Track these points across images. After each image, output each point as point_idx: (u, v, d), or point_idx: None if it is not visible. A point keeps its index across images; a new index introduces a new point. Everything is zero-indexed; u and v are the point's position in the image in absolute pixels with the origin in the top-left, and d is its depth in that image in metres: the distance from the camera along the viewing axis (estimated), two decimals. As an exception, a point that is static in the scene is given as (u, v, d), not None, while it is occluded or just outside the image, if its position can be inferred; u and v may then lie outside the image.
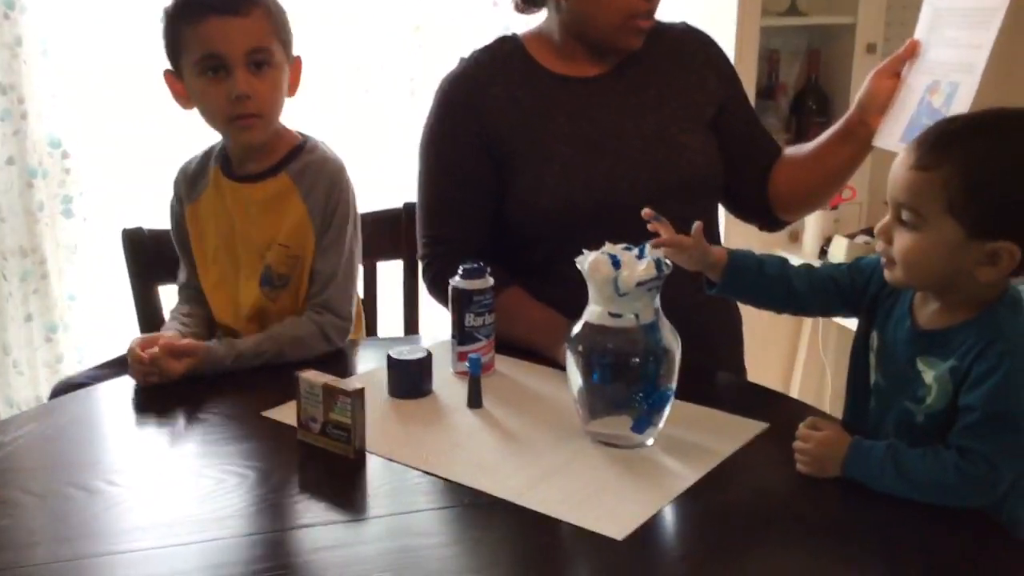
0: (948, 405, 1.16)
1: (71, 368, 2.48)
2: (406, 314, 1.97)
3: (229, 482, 1.21)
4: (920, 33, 1.50)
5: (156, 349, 1.49)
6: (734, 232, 2.45)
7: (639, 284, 1.23)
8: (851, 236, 2.71)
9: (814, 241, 2.82)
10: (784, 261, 1.37)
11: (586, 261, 1.26)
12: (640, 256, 1.26)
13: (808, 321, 2.95)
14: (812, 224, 2.81)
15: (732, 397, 1.54)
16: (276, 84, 1.58)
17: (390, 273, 1.99)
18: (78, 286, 2.53)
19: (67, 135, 2.43)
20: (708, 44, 1.77)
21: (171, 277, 1.78)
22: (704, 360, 1.63)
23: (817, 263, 2.68)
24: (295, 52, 1.63)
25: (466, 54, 1.74)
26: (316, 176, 1.63)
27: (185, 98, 1.62)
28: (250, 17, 1.54)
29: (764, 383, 1.61)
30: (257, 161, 1.65)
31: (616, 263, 1.24)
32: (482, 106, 1.66)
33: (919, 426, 1.19)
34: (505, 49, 1.72)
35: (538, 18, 1.75)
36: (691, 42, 1.76)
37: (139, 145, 2.51)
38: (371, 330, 1.90)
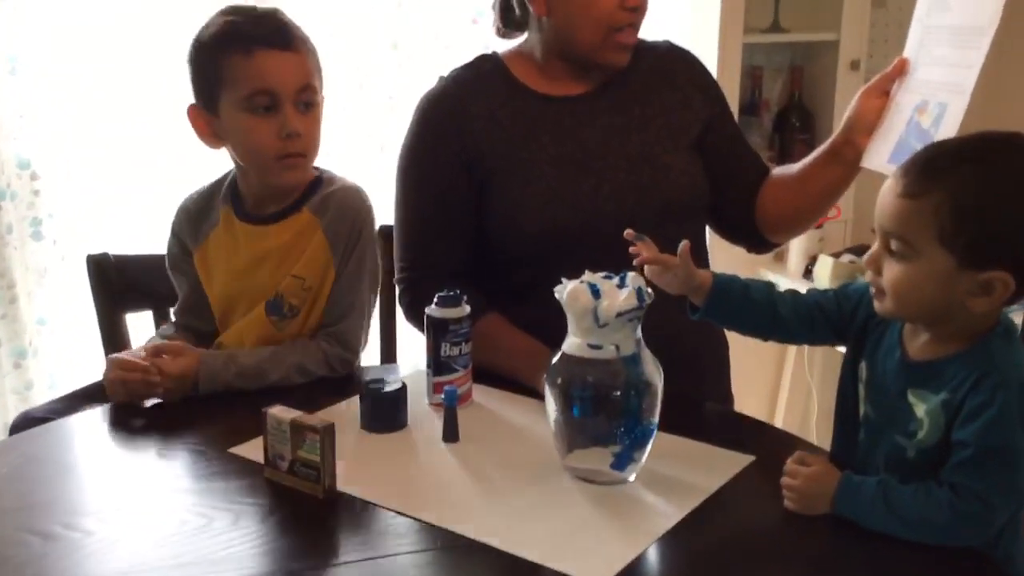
0: (940, 440, 1.12)
1: (42, 395, 2.41)
2: (383, 342, 1.92)
3: (192, 525, 1.16)
4: (909, 51, 1.46)
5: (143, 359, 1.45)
6: (719, 252, 2.41)
7: (619, 314, 1.18)
8: (836, 255, 2.68)
9: (799, 260, 2.79)
10: (771, 286, 1.33)
11: (564, 291, 1.22)
12: (621, 285, 1.21)
13: (793, 341, 2.91)
14: (797, 243, 2.78)
15: (717, 428, 1.49)
16: (319, 123, 1.55)
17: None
18: (48, 310, 2.46)
19: (36, 156, 2.37)
20: (692, 62, 1.74)
21: (138, 305, 1.74)
22: (690, 387, 1.58)
23: (802, 283, 2.69)
24: None
25: (446, 72, 1.69)
26: (339, 207, 1.57)
27: (211, 135, 1.55)
28: (300, 54, 1.51)
29: (750, 404, 1.57)
30: (278, 201, 1.58)
31: (596, 292, 1.20)
32: (463, 125, 1.62)
33: (910, 461, 1.15)
34: (486, 68, 1.68)
35: (518, 39, 1.72)
36: (675, 60, 1.72)
37: (110, 166, 2.45)
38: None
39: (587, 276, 1.23)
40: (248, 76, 1.47)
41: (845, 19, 2.79)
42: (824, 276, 2.63)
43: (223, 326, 1.63)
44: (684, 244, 1.26)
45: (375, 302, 1.66)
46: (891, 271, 1.12)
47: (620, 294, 1.19)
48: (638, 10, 1.58)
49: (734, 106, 2.72)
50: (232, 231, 1.60)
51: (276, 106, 1.48)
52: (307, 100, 1.51)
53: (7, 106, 2.30)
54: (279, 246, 1.57)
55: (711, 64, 2.65)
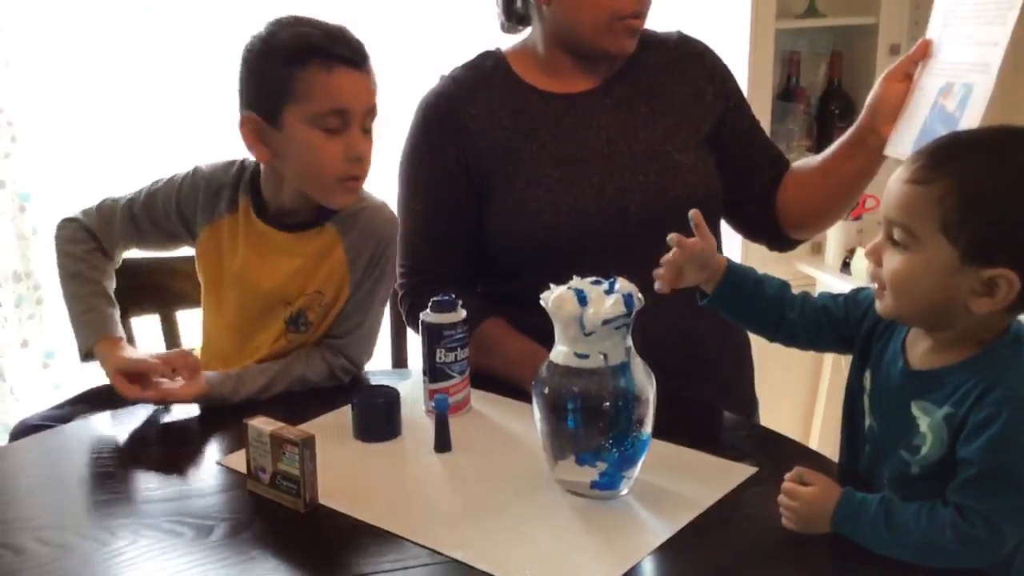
0: (945, 456, 1.04)
1: (69, 395, 2.42)
2: (394, 345, 1.88)
3: (166, 541, 1.13)
4: (933, 32, 1.39)
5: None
6: (752, 248, 2.31)
7: (606, 322, 1.13)
8: (875, 248, 2.57)
9: (836, 253, 2.69)
10: (785, 285, 1.26)
11: (550, 297, 1.17)
12: (609, 291, 1.16)
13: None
14: (834, 235, 2.68)
15: (722, 437, 1.43)
16: (372, 146, 1.49)
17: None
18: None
19: (59, 157, 2.39)
20: (703, 53, 1.66)
21: (140, 308, 1.72)
22: (709, 390, 1.53)
23: (839, 277, 2.59)
24: None
25: (447, 71, 1.65)
26: (366, 227, 1.53)
27: (262, 145, 1.45)
28: (370, 75, 1.45)
29: (784, 407, 1.49)
30: (304, 213, 1.53)
31: (583, 299, 1.14)
32: (462, 128, 1.57)
33: (915, 477, 1.08)
34: (487, 65, 1.63)
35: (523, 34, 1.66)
36: (686, 52, 1.65)
37: (132, 166, 2.46)
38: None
39: (575, 282, 1.18)
40: (326, 93, 1.40)
41: (884, 2, 2.68)
42: (862, 269, 2.54)
43: (227, 333, 1.59)
44: (694, 211, 1.21)
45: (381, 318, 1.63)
46: (891, 262, 1.05)
47: (607, 301, 1.14)
48: None
49: (768, 94, 2.63)
50: (251, 226, 1.54)
51: (345, 127, 1.42)
52: (370, 123, 1.46)
53: (30, 107, 2.32)
54: (300, 253, 1.53)
55: (743, 50, 2.56)
